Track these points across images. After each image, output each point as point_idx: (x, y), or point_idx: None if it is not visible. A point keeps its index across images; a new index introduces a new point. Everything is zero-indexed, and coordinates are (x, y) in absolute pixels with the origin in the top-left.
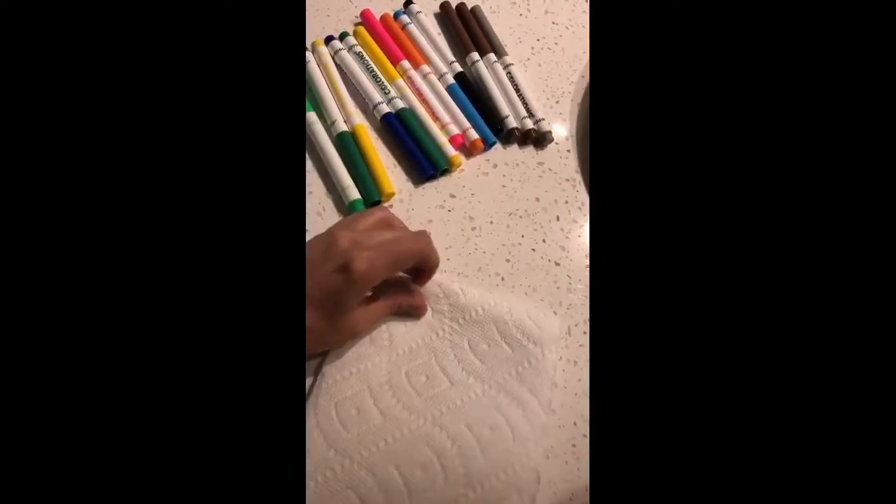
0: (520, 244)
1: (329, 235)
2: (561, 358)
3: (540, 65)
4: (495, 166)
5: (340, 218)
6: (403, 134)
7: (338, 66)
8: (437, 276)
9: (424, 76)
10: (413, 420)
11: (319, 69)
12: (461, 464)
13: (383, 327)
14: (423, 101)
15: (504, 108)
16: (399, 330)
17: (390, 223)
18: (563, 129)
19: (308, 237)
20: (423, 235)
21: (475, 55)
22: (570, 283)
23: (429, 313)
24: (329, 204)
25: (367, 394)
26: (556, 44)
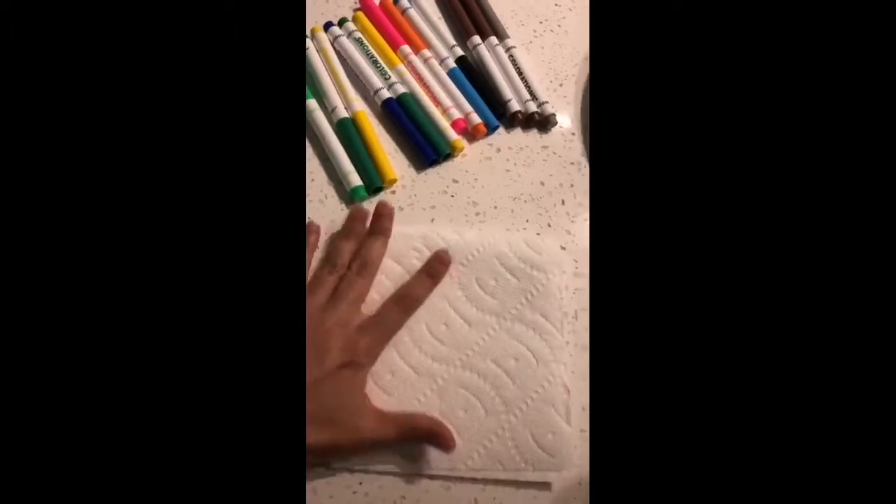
0: (525, 229)
1: (313, 334)
2: (569, 288)
3: (543, 47)
4: (498, 151)
5: (342, 205)
6: (405, 119)
7: (337, 52)
8: (434, 226)
9: (425, 61)
10: (444, 369)
11: (319, 56)
12: (496, 395)
13: (390, 287)
14: (425, 85)
15: (507, 92)
16: None
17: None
18: (567, 112)
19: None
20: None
21: (476, 39)
22: (576, 268)
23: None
24: (331, 191)
25: (396, 355)
26: (559, 26)
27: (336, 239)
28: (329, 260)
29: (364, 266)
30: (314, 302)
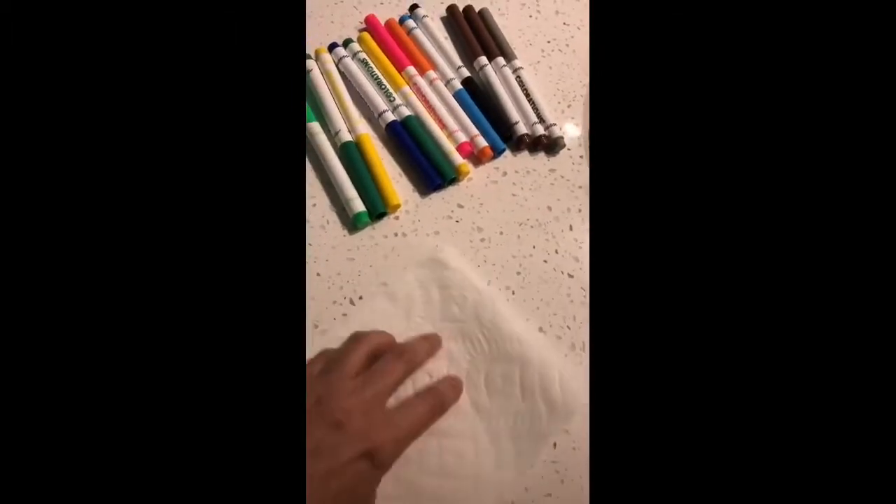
0: (531, 255)
1: (329, 412)
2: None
3: (551, 67)
4: (505, 174)
5: (345, 231)
6: (409, 142)
7: (342, 73)
8: (483, 286)
9: (431, 82)
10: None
11: (323, 77)
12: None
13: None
14: (430, 108)
15: (514, 114)
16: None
17: (376, 348)
18: (575, 134)
19: (310, 250)
20: (442, 388)
21: (483, 59)
22: (584, 297)
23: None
24: (333, 216)
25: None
26: (567, 45)
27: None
28: (366, 339)
29: (405, 353)
30: (340, 372)
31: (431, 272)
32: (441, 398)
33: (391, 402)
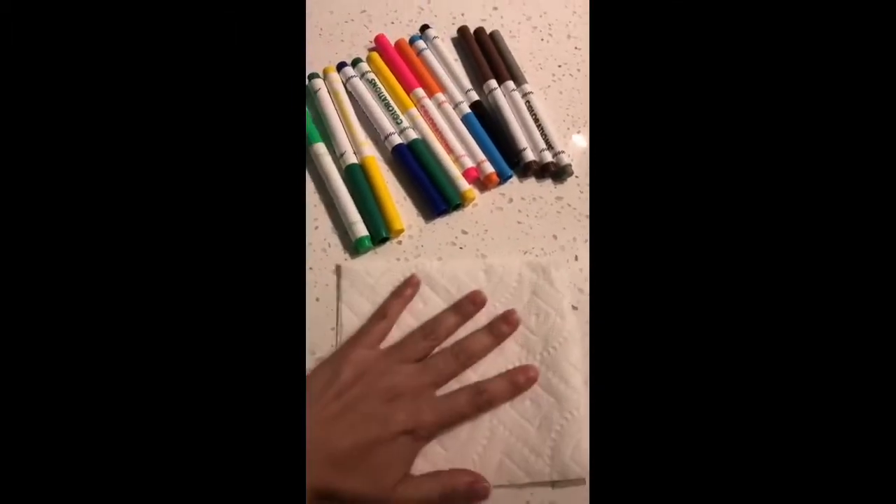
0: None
1: (386, 389)
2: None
3: (561, 92)
4: (511, 201)
5: (346, 255)
6: (415, 166)
7: (349, 93)
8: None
9: (439, 105)
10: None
11: (330, 97)
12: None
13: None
14: (437, 131)
15: (522, 140)
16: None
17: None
18: (584, 162)
19: (310, 273)
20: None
21: (493, 83)
22: (588, 330)
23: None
24: (335, 240)
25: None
26: (578, 70)
27: (444, 311)
28: (429, 327)
29: (463, 354)
30: (401, 356)
31: (534, 275)
32: (488, 398)
33: (440, 391)
